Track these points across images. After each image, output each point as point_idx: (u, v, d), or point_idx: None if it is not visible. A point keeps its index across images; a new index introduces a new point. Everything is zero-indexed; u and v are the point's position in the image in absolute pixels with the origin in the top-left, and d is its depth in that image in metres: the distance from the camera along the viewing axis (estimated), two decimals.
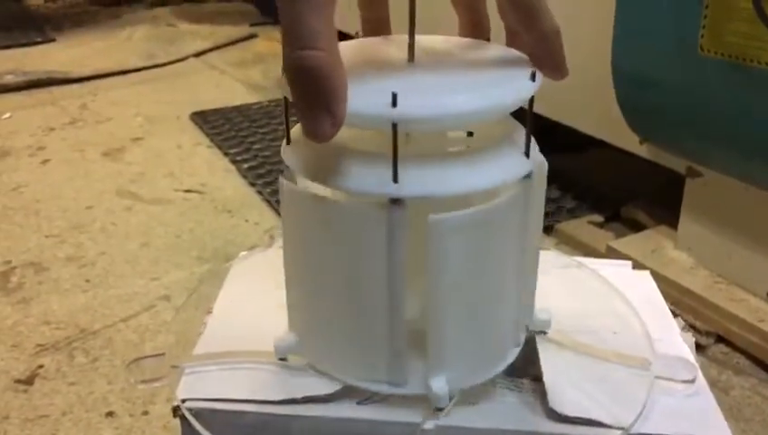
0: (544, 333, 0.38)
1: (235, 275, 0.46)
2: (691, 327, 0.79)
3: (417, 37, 0.35)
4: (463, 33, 0.39)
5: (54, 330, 0.82)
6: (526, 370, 0.38)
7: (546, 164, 0.35)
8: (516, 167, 0.33)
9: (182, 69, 1.83)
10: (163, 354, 0.38)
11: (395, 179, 0.31)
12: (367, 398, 0.35)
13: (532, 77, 0.32)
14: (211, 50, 1.93)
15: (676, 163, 0.88)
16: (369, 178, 0.32)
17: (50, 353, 0.78)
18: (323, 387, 0.35)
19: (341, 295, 0.34)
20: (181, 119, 1.48)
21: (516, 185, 0.33)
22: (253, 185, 1.17)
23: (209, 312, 0.42)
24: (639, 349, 0.37)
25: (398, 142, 0.31)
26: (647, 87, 0.83)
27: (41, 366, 0.76)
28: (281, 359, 0.37)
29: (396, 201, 0.31)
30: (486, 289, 0.34)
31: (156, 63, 1.81)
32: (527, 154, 0.33)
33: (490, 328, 0.35)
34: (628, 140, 0.90)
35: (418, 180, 0.31)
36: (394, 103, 0.30)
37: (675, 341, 0.38)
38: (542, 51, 0.33)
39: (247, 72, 1.80)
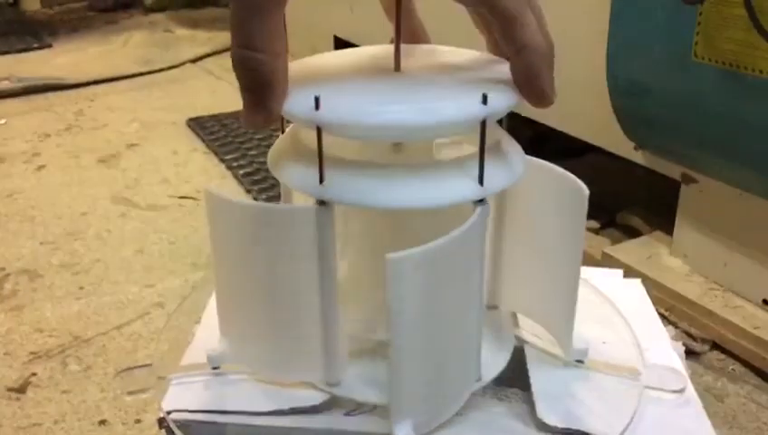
0: (581, 362, 0.37)
1: None
2: (686, 334, 0.79)
3: (440, 48, 0.36)
4: (491, 50, 0.38)
5: (48, 337, 0.82)
6: (514, 380, 0.37)
7: (585, 191, 0.33)
8: (460, 191, 0.31)
9: (179, 75, 1.82)
10: (150, 365, 0.38)
11: (321, 181, 0.31)
12: (354, 408, 0.35)
13: (484, 100, 0.30)
14: (208, 55, 1.93)
15: (672, 170, 0.87)
16: (300, 176, 0.33)
17: (43, 361, 0.78)
18: (310, 398, 0.35)
19: (272, 303, 0.35)
20: (177, 125, 1.48)
21: (468, 211, 0.31)
22: (249, 191, 1.17)
23: (198, 322, 0.42)
24: (629, 359, 0.37)
25: (322, 144, 0.31)
26: (642, 94, 0.83)
27: (33, 374, 0.75)
28: (215, 368, 0.37)
29: (322, 203, 0.32)
30: (448, 325, 0.32)
31: (152, 69, 1.80)
32: (480, 180, 0.31)
33: (455, 365, 0.34)
34: (623, 147, 0.90)
35: (344, 186, 0.31)
36: (317, 106, 0.31)
37: (665, 350, 0.38)
38: (526, 78, 0.31)
39: None
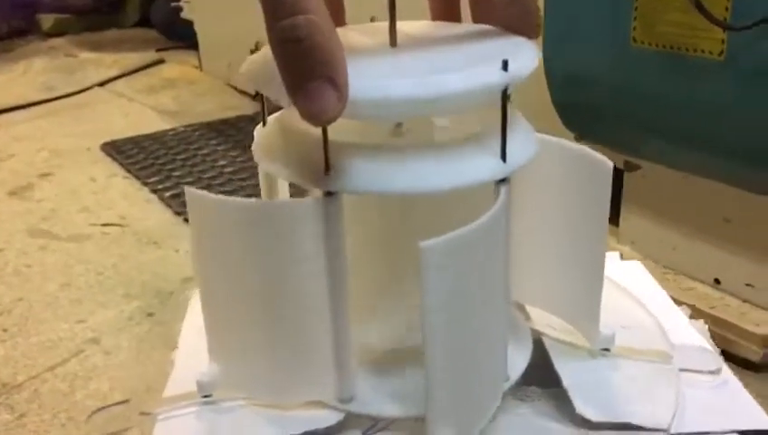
0: (608, 350, 0.34)
1: (198, 302, 0.41)
2: None
3: (399, 23, 0.32)
4: (434, 15, 0.35)
5: None
6: (530, 376, 0.34)
7: (609, 164, 0.31)
8: (481, 169, 0.29)
9: (86, 99, 1.73)
10: (128, 401, 0.33)
11: (327, 170, 0.28)
12: (372, 426, 0.31)
13: (504, 66, 0.28)
14: (117, 78, 1.85)
15: (614, 158, 0.87)
16: (299, 167, 0.29)
17: None
18: (323, 419, 0.31)
19: (273, 315, 0.30)
20: (92, 150, 1.40)
21: (489, 190, 0.29)
22: (179, 214, 1.11)
23: (175, 347, 0.37)
24: (654, 342, 0.34)
25: (327, 128, 0.27)
26: (580, 84, 0.82)
27: None
28: (205, 396, 0.33)
29: (329, 194, 0.28)
30: (479, 320, 0.29)
31: (58, 95, 1.71)
32: (503, 156, 0.29)
33: (488, 365, 0.31)
34: (564, 138, 0.90)
35: (354, 173, 0.28)
36: None
37: (688, 330, 0.36)
38: (522, 13, 0.31)
39: (158, 98, 1.73)
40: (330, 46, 0.25)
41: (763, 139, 0.68)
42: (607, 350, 0.34)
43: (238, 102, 1.67)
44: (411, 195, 0.27)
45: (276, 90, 0.26)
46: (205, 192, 0.29)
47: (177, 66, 1.99)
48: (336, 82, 0.25)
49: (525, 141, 0.29)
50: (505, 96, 0.27)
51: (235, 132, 1.43)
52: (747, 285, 0.77)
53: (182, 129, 1.49)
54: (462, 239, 0.26)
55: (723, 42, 0.68)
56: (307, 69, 0.25)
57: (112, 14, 2.40)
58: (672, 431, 0.30)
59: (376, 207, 0.32)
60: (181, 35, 2.03)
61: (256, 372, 0.31)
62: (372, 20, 0.33)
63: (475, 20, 0.35)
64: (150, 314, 0.86)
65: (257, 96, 0.32)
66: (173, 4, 1.84)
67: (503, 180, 0.28)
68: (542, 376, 0.34)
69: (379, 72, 0.28)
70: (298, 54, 0.25)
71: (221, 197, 0.29)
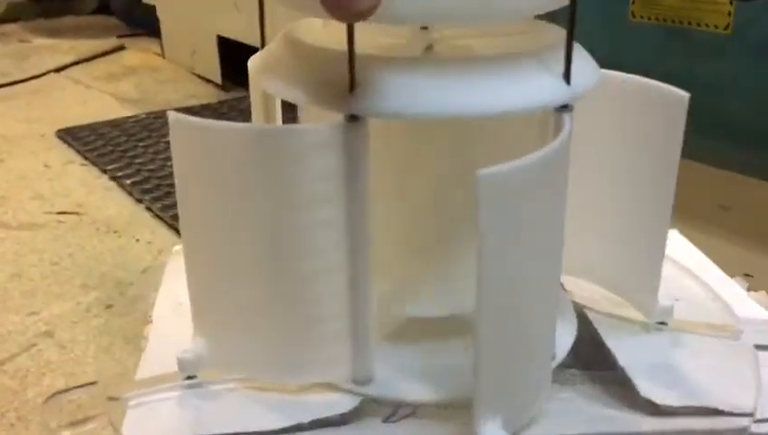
0: (665, 324, 0.29)
1: (174, 272, 0.34)
2: None
3: None
4: None
5: None
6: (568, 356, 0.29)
7: (685, 97, 0.26)
8: (542, 91, 0.24)
9: (41, 85, 1.65)
10: (95, 383, 0.26)
11: (351, 88, 0.22)
12: (393, 413, 0.26)
13: None
14: (74, 64, 1.76)
15: None
16: (315, 86, 0.23)
17: None
18: (335, 405, 0.25)
19: (277, 275, 0.24)
20: (46, 137, 1.32)
21: (549, 118, 0.24)
22: (140, 201, 1.05)
23: (149, 321, 0.31)
24: (717, 315, 0.30)
25: (352, 40, 0.22)
26: None
27: None
28: (188, 377, 0.27)
29: (353, 118, 0.22)
30: (536, 280, 0.24)
31: (10, 81, 1.62)
32: (567, 78, 0.25)
33: (540, 338, 0.26)
34: None
35: (385, 93, 0.22)
36: None
37: (749, 303, 0.31)
38: None
39: (118, 86, 1.65)
40: None
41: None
42: (664, 323, 0.29)
43: (202, 90, 1.60)
44: (454, 119, 0.22)
45: None
46: (194, 118, 0.23)
47: (138, 53, 1.91)
48: None
49: (588, 65, 0.24)
50: (575, 2, 0.22)
51: None
52: (745, 274, 0.74)
53: (144, 116, 1.42)
54: (525, 171, 0.20)
55: (729, 14, 0.65)
56: None
57: (69, 0, 2.30)
58: (758, 417, 0.25)
59: (411, 138, 0.27)
60: (142, 22, 1.96)
61: (254, 347, 0.25)
62: None
63: None
64: (109, 306, 0.80)
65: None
66: None
67: (565, 107, 0.23)
68: (583, 356, 0.29)
69: None
70: None
71: (214, 122, 0.23)
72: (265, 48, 0.27)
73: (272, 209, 0.23)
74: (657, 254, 0.27)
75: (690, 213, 0.77)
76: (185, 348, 0.26)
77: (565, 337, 0.28)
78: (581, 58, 0.25)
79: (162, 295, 0.33)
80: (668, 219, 0.27)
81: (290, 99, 0.23)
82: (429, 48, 0.26)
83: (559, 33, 0.25)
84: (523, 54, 0.23)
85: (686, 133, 0.69)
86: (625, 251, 0.28)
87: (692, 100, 0.67)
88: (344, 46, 0.22)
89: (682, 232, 0.76)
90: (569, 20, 0.22)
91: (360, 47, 0.24)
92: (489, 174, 0.20)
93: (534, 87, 0.23)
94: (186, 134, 0.24)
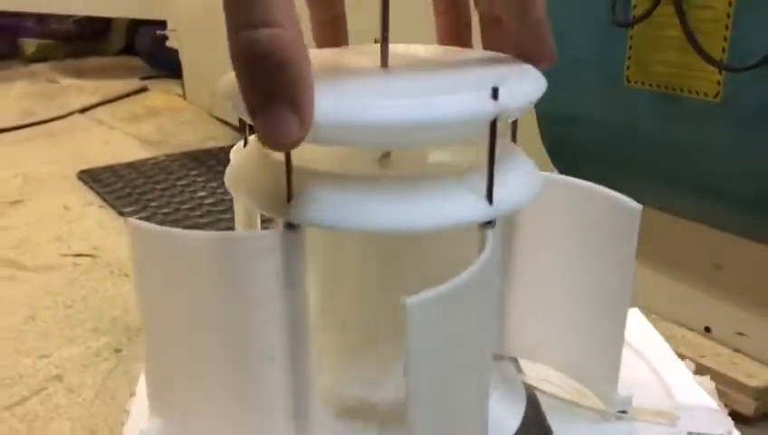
0: (624, 413, 0.30)
1: None
2: None
3: (399, 46, 0.29)
4: (441, 37, 0.33)
5: None
6: None
7: (637, 208, 0.29)
8: (461, 210, 0.26)
9: (66, 126, 1.70)
10: None
11: (289, 198, 0.25)
12: None
13: (494, 94, 0.25)
14: (98, 105, 1.82)
15: None
16: (264, 194, 0.26)
17: None
18: None
19: (224, 360, 0.27)
20: (68, 178, 1.36)
21: (476, 234, 0.26)
22: None
23: (132, 394, 0.33)
24: (658, 400, 0.31)
25: (289, 158, 0.24)
26: (571, 123, 0.80)
27: None
28: None
29: (290, 227, 0.25)
30: (463, 383, 0.26)
31: (36, 121, 1.67)
32: (489, 197, 0.25)
33: (476, 426, 0.27)
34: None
35: (318, 204, 0.24)
36: None
37: (691, 387, 0.33)
38: (534, 38, 0.30)
39: (139, 127, 1.70)
40: (295, 65, 0.22)
41: (759, 184, 0.66)
42: (624, 412, 0.30)
43: (221, 133, 1.64)
44: (378, 233, 0.24)
45: (244, 110, 0.23)
46: (149, 224, 0.26)
47: (160, 95, 1.96)
48: (298, 106, 0.22)
49: (522, 182, 0.26)
50: (494, 128, 0.24)
51: (216, 163, 1.40)
52: (738, 333, 0.75)
53: (163, 158, 1.46)
54: (450, 294, 0.22)
55: (719, 83, 0.67)
56: (267, 89, 0.22)
57: (96, 41, 2.37)
58: None
59: (351, 242, 0.29)
60: (166, 64, 2.01)
61: (202, 428, 0.27)
62: (376, 42, 0.30)
63: (486, 46, 0.33)
64: (118, 351, 0.82)
65: (241, 123, 0.29)
66: (158, 32, 1.82)
67: (488, 223, 0.25)
68: None
69: (365, 93, 0.25)
70: (258, 73, 0.22)
71: (168, 229, 0.25)
72: (244, 149, 0.29)
73: (220, 308, 0.25)
74: (615, 348, 0.29)
75: (684, 270, 0.78)
76: (142, 429, 0.28)
77: (509, 422, 0.30)
78: (518, 173, 0.27)
79: None
80: (625, 317, 0.29)
81: (244, 203, 0.26)
82: (386, 155, 0.29)
83: (507, 146, 0.28)
84: (450, 174, 0.25)
85: (683, 193, 0.70)
86: (584, 342, 0.30)
87: (685, 164, 0.69)
88: (288, 157, 0.24)
89: (675, 289, 0.77)
90: (489, 142, 0.24)
91: (316, 156, 0.27)
92: (417, 302, 0.21)
93: (454, 206, 0.25)
94: (142, 238, 0.26)
